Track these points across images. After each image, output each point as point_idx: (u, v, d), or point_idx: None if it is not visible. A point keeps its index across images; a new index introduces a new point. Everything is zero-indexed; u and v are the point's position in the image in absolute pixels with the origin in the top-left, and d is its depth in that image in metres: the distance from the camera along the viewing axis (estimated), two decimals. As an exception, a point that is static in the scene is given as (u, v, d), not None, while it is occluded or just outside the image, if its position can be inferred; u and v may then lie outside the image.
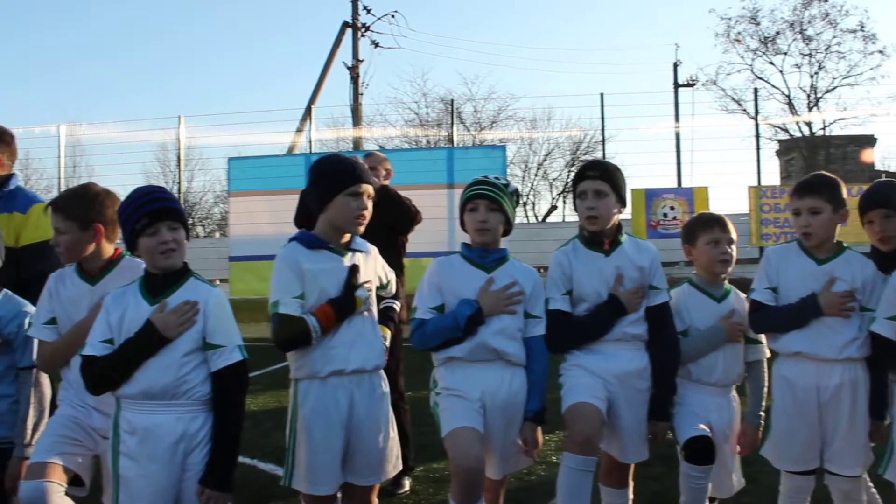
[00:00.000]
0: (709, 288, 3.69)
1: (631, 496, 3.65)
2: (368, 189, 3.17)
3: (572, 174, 30.42)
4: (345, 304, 3.07)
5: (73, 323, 3.08)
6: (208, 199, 33.82)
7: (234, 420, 2.81)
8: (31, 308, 3.35)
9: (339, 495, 3.18)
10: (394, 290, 3.53)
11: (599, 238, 3.48)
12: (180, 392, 2.73)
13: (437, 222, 11.82)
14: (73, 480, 3.02)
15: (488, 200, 3.32)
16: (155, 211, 2.78)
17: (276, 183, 13.42)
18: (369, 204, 3.17)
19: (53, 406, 3.35)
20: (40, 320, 3.15)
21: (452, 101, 18.44)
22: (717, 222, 3.67)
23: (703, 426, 3.47)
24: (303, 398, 3.08)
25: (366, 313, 3.17)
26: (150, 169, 31.63)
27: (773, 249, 3.65)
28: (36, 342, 3.28)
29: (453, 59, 59.14)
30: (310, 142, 17.77)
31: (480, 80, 50.58)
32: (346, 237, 3.20)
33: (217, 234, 31.20)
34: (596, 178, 3.44)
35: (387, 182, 4.93)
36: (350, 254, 3.19)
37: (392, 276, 3.50)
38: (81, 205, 3.11)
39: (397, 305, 3.56)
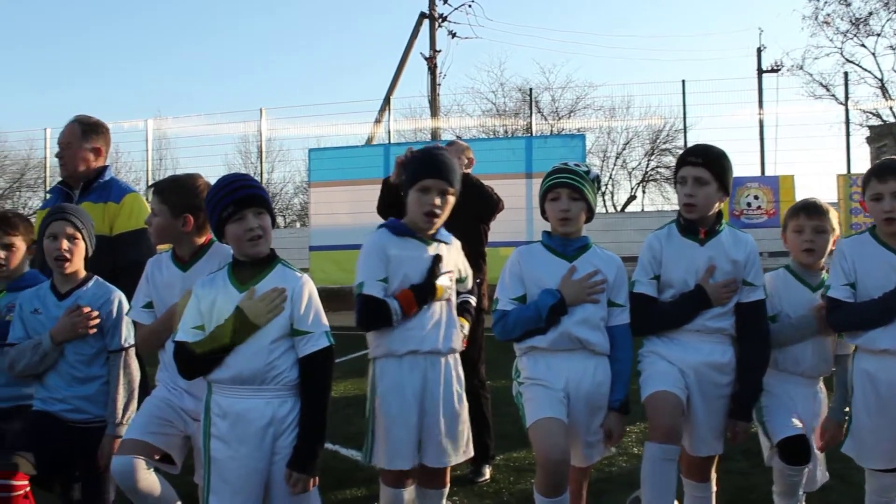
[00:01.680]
0: (804, 275, 3.56)
1: (714, 490, 3.57)
2: (439, 185, 3.20)
3: (651, 163, 30.12)
4: (426, 290, 3.17)
5: (166, 307, 3.18)
6: (288, 189, 34.31)
7: (321, 405, 2.86)
8: (119, 294, 3.47)
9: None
10: (470, 286, 3.55)
11: (695, 226, 3.39)
12: (269, 377, 2.79)
13: (516, 212, 11.78)
14: (165, 459, 3.13)
15: (570, 189, 3.29)
16: (241, 198, 2.83)
17: (355, 173, 13.59)
18: (441, 199, 3.20)
19: (147, 387, 3.48)
20: (138, 304, 3.26)
21: (531, 90, 18.35)
22: (803, 210, 3.54)
23: (796, 422, 3.37)
24: (380, 375, 3.21)
25: (445, 301, 3.25)
26: (232, 161, 32.19)
27: (847, 242, 3.44)
28: (129, 325, 3.41)
29: (530, 47, 58.76)
30: (388, 132, 17.91)
31: (558, 69, 49.86)
32: (433, 227, 3.25)
33: (297, 224, 31.72)
34: (698, 164, 3.34)
35: (469, 171, 4.92)
36: (435, 244, 3.27)
37: (469, 271, 3.53)
38: (178, 193, 3.19)
39: (473, 300, 3.56)
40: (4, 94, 57.21)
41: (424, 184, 3.19)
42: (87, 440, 3.29)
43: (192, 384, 3.07)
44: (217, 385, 2.82)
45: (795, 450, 3.30)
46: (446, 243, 3.32)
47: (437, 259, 3.23)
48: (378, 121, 21.48)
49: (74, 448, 3.31)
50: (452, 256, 3.33)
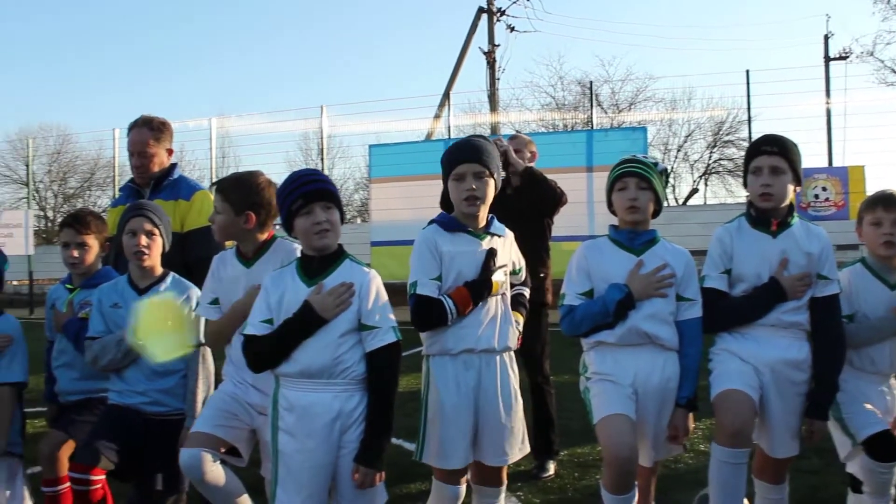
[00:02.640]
0: (882, 272, 3.45)
1: (787, 490, 3.47)
2: (472, 168, 3.12)
3: (714, 155, 29.56)
4: (481, 287, 3.12)
5: (231, 303, 3.23)
6: (349, 186, 34.69)
7: (388, 399, 2.86)
8: (195, 290, 3.53)
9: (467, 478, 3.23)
10: (523, 277, 3.49)
11: (767, 218, 3.31)
12: (337, 371, 2.80)
13: (577, 206, 11.64)
14: (232, 452, 3.18)
15: (638, 178, 3.24)
16: (309, 192, 2.85)
17: (415, 169, 13.59)
18: (480, 183, 3.13)
19: (218, 381, 3.54)
20: (205, 300, 3.32)
21: (591, 83, 18.17)
22: (881, 201, 3.43)
23: (879, 417, 3.27)
24: (434, 374, 3.18)
25: (500, 296, 3.21)
26: (293, 158, 32.70)
27: None
28: (203, 321, 3.46)
29: (589, 40, 57.97)
30: (448, 128, 17.92)
31: (617, 62, 49.45)
32: (484, 220, 3.21)
33: (358, 220, 32.00)
34: (773, 153, 3.27)
35: (532, 164, 4.90)
36: (488, 237, 3.21)
37: (523, 262, 3.47)
38: (241, 191, 3.23)
39: (527, 292, 3.51)
40: (75, 97, 58.96)
41: (458, 171, 3.15)
42: (165, 432, 3.37)
43: (257, 378, 3.11)
44: (285, 379, 2.84)
45: (884, 446, 3.20)
46: (500, 236, 3.26)
47: (492, 253, 3.17)
48: (437, 116, 21.55)
49: (152, 440, 3.39)
50: (506, 249, 3.28)
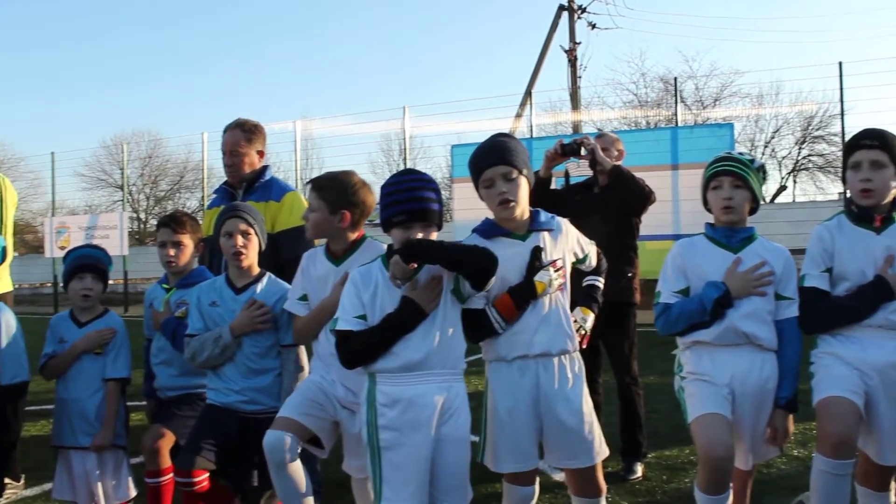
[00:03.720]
0: None
1: (893, 500, 3.32)
2: (499, 171, 3.04)
3: (803, 151, 28.62)
4: (525, 292, 3.03)
5: (319, 300, 3.27)
6: (430, 186, 34.84)
7: None
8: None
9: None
10: (594, 264, 3.37)
11: (870, 214, 3.19)
12: (437, 362, 2.83)
13: (662, 205, 11.38)
14: (315, 442, 3.22)
15: (732, 177, 3.17)
16: (412, 212, 2.85)
17: (497, 168, 13.57)
18: (508, 185, 3.03)
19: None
20: (294, 296, 3.38)
21: (675, 79, 17.75)
22: None
23: None
24: (491, 379, 3.14)
25: (552, 295, 3.08)
26: (375, 159, 33.07)
27: None
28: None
29: (672, 35, 56.79)
30: (530, 127, 17.83)
31: (701, 57, 48.32)
32: (525, 218, 3.13)
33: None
34: (874, 147, 3.15)
35: (619, 163, 4.83)
36: (533, 235, 3.12)
37: (591, 248, 3.33)
38: (337, 189, 3.26)
39: (600, 282, 3.40)
40: (165, 103, 60.91)
41: (485, 177, 3.07)
42: (260, 430, 3.42)
43: (343, 374, 3.14)
44: (383, 375, 2.84)
45: None
46: (548, 230, 3.15)
47: (535, 253, 3.07)
48: (519, 115, 21.46)
49: (248, 437, 3.45)
50: (560, 242, 3.16)
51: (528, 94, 20.88)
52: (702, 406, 3.08)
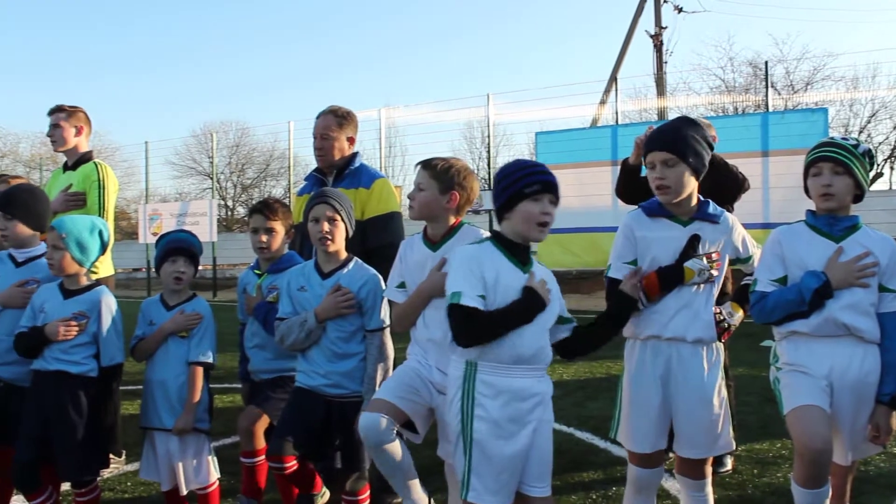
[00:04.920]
0: None
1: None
2: (660, 156, 3.09)
3: (903, 136, 27.36)
4: (672, 274, 3.07)
5: (416, 286, 3.30)
6: (514, 174, 34.71)
7: None
8: (377, 275, 3.62)
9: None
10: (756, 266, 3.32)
11: None
12: (542, 357, 2.85)
13: (752, 192, 11.12)
14: (409, 426, 3.25)
15: (833, 163, 3.06)
16: (548, 182, 2.87)
17: (582, 156, 13.43)
18: (666, 171, 3.08)
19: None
20: (393, 283, 3.42)
21: (766, 63, 17.24)
22: None
23: None
24: (627, 355, 3.23)
25: (702, 285, 3.11)
26: (458, 147, 33.07)
27: None
28: (386, 306, 3.57)
29: (762, 17, 54.90)
30: (615, 113, 17.60)
31: (792, 40, 46.58)
32: (693, 205, 3.15)
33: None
34: None
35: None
36: (696, 223, 3.14)
37: (755, 250, 3.30)
38: (449, 170, 3.29)
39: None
40: (251, 93, 62.27)
41: (648, 160, 3.15)
42: (344, 414, 3.49)
43: (439, 360, 3.17)
44: (489, 364, 2.82)
45: None
46: (712, 221, 3.16)
47: (692, 240, 3.10)
48: (603, 102, 21.18)
49: (333, 421, 3.52)
50: (720, 235, 3.17)
51: (612, 79, 20.62)
52: (799, 397, 3.00)
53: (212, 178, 28.23)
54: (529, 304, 2.80)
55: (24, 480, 3.65)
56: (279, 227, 4.04)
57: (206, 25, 65.06)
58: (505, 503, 2.81)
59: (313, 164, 4.64)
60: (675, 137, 3.11)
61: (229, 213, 37.63)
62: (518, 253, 2.89)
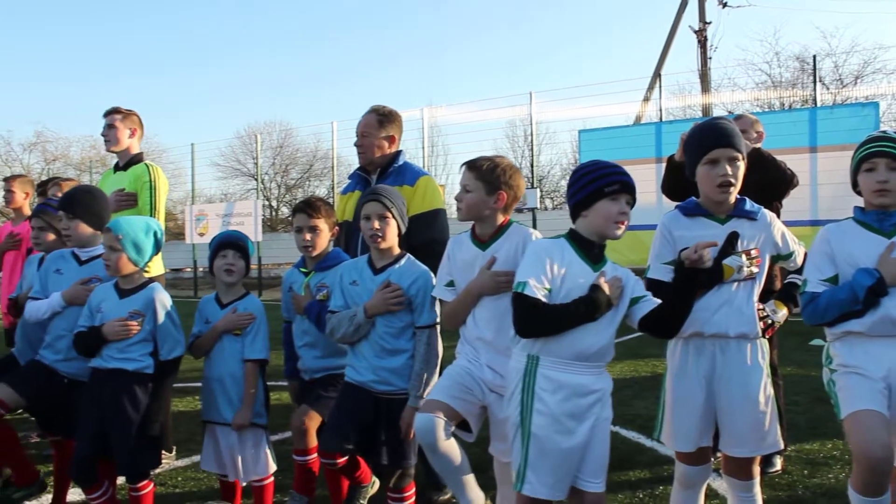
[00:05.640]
0: None
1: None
2: (727, 153, 3.06)
3: (959, 131, 26.68)
4: (711, 273, 3.00)
5: (465, 284, 3.31)
6: (555, 172, 34.61)
7: None
8: (428, 272, 3.62)
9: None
10: (800, 263, 3.27)
11: None
12: (604, 355, 2.87)
13: (800, 189, 10.95)
14: (462, 426, 3.27)
15: (889, 158, 2.99)
16: (626, 183, 2.90)
17: (626, 153, 13.32)
18: (734, 168, 3.06)
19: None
20: (441, 282, 3.44)
21: (814, 57, 16.91)
22: None
23: None
24: (669, 355, 3.21)
25: (743, 282, 3.09)
26: (500, 145, 33.04)
27: None
28: (436, 303, 3.58)
29: (809, 10, 53.85)
30: (660, 110, 17.42)
31: (841, 33, 45.67)
32: (730, 203, 3.13)
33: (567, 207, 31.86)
34: None
35: (759, 145, 4.68)
36: (734, 220, 3.12)
37: (799, 248, 3.26)
38: (495, 170, 3.29)
39: (801, 281, 3.28)
40: (294, 93, 62.85)
41: (711, 155, 3.08)
42: (391, 410, 3.52)
43: (491, 359, 3.20)
44: (550, 359, 2.84)
45: None
46: (750, 218, 3.14)
47: (731, 237, 3.07)
48: (647, 99, 21.01)
49: (380, 417, 3.54)
50: (759, 232, 3.14)
51: (656, 76, 20.40)
52: (856, 401, 2.91)
53: (256, 179, 28.55)
54: (594, 303, 2.80)
55: (83, 475, 3.75)
56: (322, 225, 4.07)
57: (249, 26, 65.82)
58: (559, 497, 2.83)
59: (356, 164, 4.69)
60: (737, 135, 3.11)
61: (273, 213, 38.03)
62: (590, 251, 2.91)
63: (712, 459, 3.32)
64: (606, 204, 2.86)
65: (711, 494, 4.11)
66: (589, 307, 2.80)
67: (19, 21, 61.78)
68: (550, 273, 2.84)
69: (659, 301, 2.91)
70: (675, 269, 2.91)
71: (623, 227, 2.89)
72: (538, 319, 2.81)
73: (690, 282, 2.85)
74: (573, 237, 2.94)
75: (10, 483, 3.90)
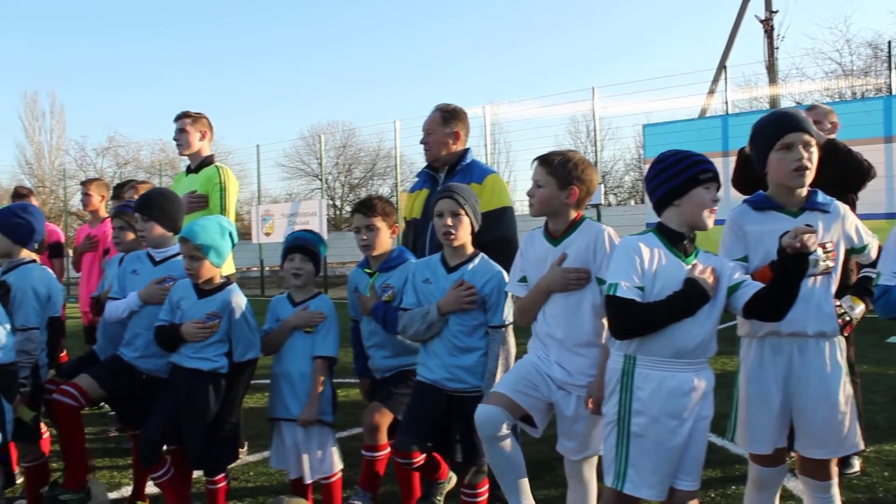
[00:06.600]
0: None
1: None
2: (802, 137, 2.98)
3: None
4: (785, 267, 2.92)
5: (537, 280, 3.30)
6: (619, 167, 34.30)
7: None
8: (502, 272, 3.62)
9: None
10: (873, 257, 3.18)
11: None
12: (704, 350, 2.82)
13: (876, 180, 10.64)
14: (527, 421, 3.27)
15: None
16: (715, 171, 2.87)
17: (692, 147, 12.85)
18: (809, 153, 2.98)
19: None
20: (514, 278, 3.43)
21: (889, 43, 16.32)
22: None
23: None
24: (743, 355, 3.13)
25: (819, 277, 3.00)
26: (562, 141, 32.83)
27: None
28: (510, 302, 3.57)
29: (882, -5, 52.15)
30: (725, 102, 17.08)
31: (918, 17, 43.98)
32: (802, 195, 3.04)
33: (631, 202, 31.53)
34: None
35: (833, 136, 4.56)
36: (806, 213, 3.03)
37: (873, 241, 3.17)
38: (567, 165, 3.26)
39: (875, 274, 3.20)
40: (356, 94, 63.40)
41: (786, 140, 2.99)
42: (464, 408, 3.51)
43: (560, 356, 3.19)
44: (649, 358, 2.81)
45: None
46: (823, 211, 3.05)
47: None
48: (712, 91, 20.63)
49: (454, 415, 3.56)
50: (833, 224, 3.06)
51: (721, 68, 20.01)
52: None
53: (320, 179, 28.84)
54: (691, 297, 2.76)
55: (148, 456, 3.89)
56: (380, 224, 4.05)
57: (310, 27, 66.63)
58: (660, 496, 2.81)
59: (419, 163, 4.74)
60: (809, 121, 3.04)
61: (337, 212, 38.46)
62: (680, 244, 2.87)
63: (787, 460, 3.24)
64: (701, 192, 2.82)
65: (786, 495, 4.02)
66: (685, 302, 2.76)
67: (92, 30, 63.71)
68: (641, 270, 2.80)
69: (761, 284, 2.82)
70: (778, 258, 2.77)
71: (714, 216, 2.83)
72: (633, 320, 2.78)
73: (797, 269, 2.71)
74: (662, 231, 2.90)
75: (58, 485, 4.00)
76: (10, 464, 3.71)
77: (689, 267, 2.81)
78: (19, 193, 7.80)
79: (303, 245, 4.08)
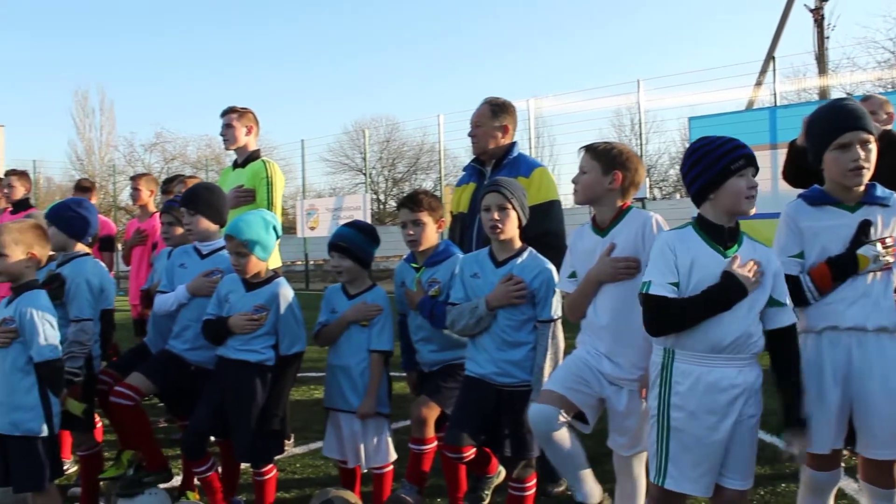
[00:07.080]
0: None
1: None
2: (860, 136, 2.91)
3: None
4: (844, 263, 2.91)
5: (585, 273, 3.28)
6: (664, 161, 33.89)
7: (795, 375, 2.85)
8: (551, 266, 3.60)
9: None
10: None
11: None
12: (745, 345, 2.74)
13: (932, 173, 10.42)
14: (579, 417, 3.25)
15: None
16: (751, 156, 2.81)
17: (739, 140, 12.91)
18: (867, 151, 2.91)
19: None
20: (564, 274, 3.42)
21: (946, 30, 15.91)
22: None
23: None
24: (803, 352, 2.99)
25: (881, 272, 2.93)
26: (607, 135, 32.56)
27: None
28: (559, 296, 3.56)
29: (938, -17, 50.64)
30: (773, 94, 16.78)
31: (976, 2, 42.70)
32: (859, 190, 2.97)
33: (677, 196, 31.17)
34: None
35: (889, 126, 4.46)
36: (864, 207, 2.96)
37: None
38: (611, 151, 3.26)
39: None
40: (400, 88, 63.60)
41: (842, 140, 2.92)
42: (513, 402, 3.51)
43: (611, 349, 3.18)
44: (686, 353, 2.77)
45: None
46: (882, 205, 2.97)
47: (863, 226, 2.92)
48: (759, 83, 20.25)
49: (503, 409, 3.55)
50: (892, 219, 2.97)
51: (769, 59, 19.62)
52: None
53: (364, 173, 29.01)
54: (727, 291, 2.70)
55: (193, 448, 3.95)
56: (426, 219, 4.05)
57: (355, 21, 67.01)
58: (704, 492, 2.77)
59: (463, 157, 4.76)
60: (866, 116, 2.96)
61: (381, 206, 38.62)
62: (719, 236, 2.80)
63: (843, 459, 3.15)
64: (735, 181, 2.75)
65: (839, 494, 3.93)
66: (721, 295, 2.70)
67: (140, 27, 64.78)
68: (675, 266, 2.76)
69: (791, 322, 2.78)
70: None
71: (754, 200, 2.77)
72: (667, 317, 2.75)
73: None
74: (700, 223, 2.84)
75: (142, 468, 4.10)
76: (59, 456, 3.81)
77: (729, 260, 2.75)
78: (82, 186, 7.90)
79: (335, 243, 4.10)
